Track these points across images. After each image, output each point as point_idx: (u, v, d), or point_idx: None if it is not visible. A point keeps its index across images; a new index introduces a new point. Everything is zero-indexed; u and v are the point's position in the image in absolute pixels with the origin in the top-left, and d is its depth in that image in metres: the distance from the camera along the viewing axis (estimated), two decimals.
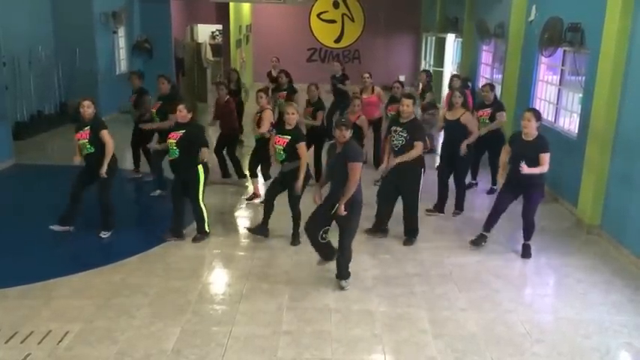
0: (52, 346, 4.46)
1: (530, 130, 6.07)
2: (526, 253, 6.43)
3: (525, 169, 5.94)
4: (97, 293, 5.32)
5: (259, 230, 6.66)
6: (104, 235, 6.58)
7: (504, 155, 6.44)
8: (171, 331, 4.73)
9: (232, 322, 4.88)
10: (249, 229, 6.79)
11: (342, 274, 5.55)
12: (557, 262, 6.34)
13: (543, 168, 6.04)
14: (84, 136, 6.34)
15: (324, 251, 5.87)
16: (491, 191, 8.55)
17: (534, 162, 6.01)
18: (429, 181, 7.14)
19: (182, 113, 6.30)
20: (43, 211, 7.39)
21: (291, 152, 6.30)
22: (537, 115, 6.17)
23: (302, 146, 6.35)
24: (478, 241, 6.57)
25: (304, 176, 6.30)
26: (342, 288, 5.49)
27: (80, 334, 4.64)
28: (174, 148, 6.27)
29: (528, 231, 6.42)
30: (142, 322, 4.85)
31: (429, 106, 10.28)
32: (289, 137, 6.34)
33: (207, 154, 6.40)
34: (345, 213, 5.33)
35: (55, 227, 6.58)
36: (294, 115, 6.45)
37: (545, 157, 6.02)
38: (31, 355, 4.35)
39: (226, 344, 4.57)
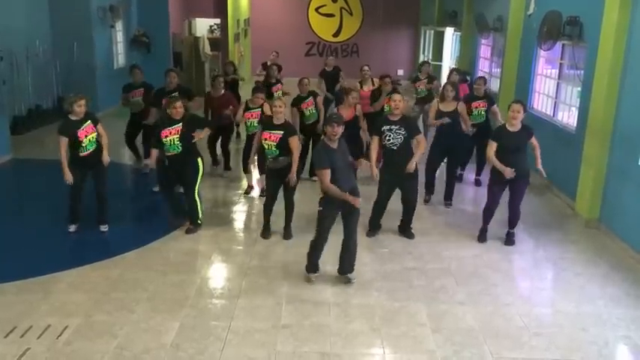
0: (52, 341, 4.47)
1: (518, 121, 6.18)
2: (510, 240, 6.54)
3: (543, 172, 6.33)
4: (95, 288, 5.33)
5: (267, 233, 6.63)
6: (105, 228, 6.60)
7: (491, 151, 6.25)
8: (170, 325, 4.73)
9: (231, 317, 4.89)
10: (263, 236, 6.63)
11: (352, 267, 5.57)
12: (555, 256, 6.36)
13: (539, 149, 6.35)
14: (90, 131, 6.28)
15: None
16: (477, 182, 8.75)
17: (524, 151, 6.24)
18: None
19: (180, 110, 6.32)
20: (41, 206, 7.39)
21: (284, 147, 6.28)
22: (524, 107, 6.31)
23: (294, 139, 6.34)
24: (483, 237, 6.60)
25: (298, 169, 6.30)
26: (350, 281, 5.53)
27: (79, 328, 4.65)
28: (178, 143, 6.29)
29: (515, 220, 6.52)
30: (141, 317, 4.85)
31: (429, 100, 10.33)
32: (281, 133, 6.29)
33: (203, 135, 6.54)
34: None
35: (72, 228, 6.54)
36: (281, 109, 6.36)
37: (535, 141, 6.30)
38: (31, 350, 4.35)
39: (225, 338, 4.58)
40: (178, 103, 6.35)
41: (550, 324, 4.96)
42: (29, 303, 5.02)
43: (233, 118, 8.23)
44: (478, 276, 5.80)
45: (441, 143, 7.61)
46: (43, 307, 4.97)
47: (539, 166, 6.36)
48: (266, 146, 6.33)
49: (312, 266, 5.56)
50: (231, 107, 8.23)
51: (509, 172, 6.10)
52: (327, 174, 5.19)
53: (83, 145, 6.25)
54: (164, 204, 6.74)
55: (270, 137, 6.30)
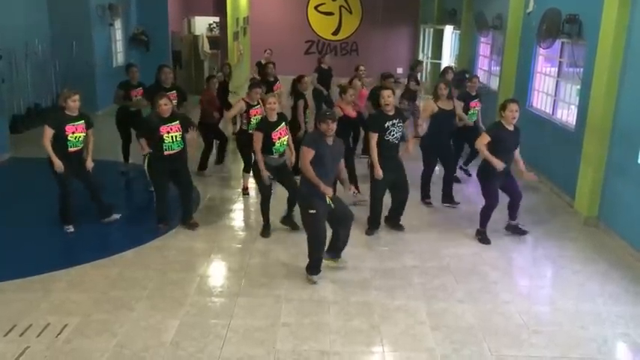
0: (51, 339, 4.47)
1: (516, 119, 6.26)
2: (521, 230, 6.68)
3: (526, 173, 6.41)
4: (94, 286, 5.33)
5: (267, 231, 6.64)
6: (118, 216, 6.77)
7: (483, 142, 6.24)
8: (170, 323, 4.74)
9: (231, 315, 4.89)
10: (263, 235, 6.62)
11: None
12: (554, 254, 6.36)
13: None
14: (80, 129, 6.27)
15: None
16: (465, 172, 8.91)
17: (515, 148, 6.40)
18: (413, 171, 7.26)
19: (168, 106, 6.30)
20: (40, 204, 7.38)
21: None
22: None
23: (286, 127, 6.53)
24: (487, 239, 6.57)
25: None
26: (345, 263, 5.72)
27: (78, 327, 4.65)
28: (179, 140, 6.32)
29: (518, 206, 6.63)
30: (140, 315, 4.85)
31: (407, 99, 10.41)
32: (284, 124, 6.42)
33: (195, 135, 6.68)
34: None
35: (70, 228, 6.54)
36: (275, 105, 6.39)
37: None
38: (30, 348, 4.35)
39: (225, 336, 4.58)
40: (163, 100, 6.27)
41: (549, 322, 4.96)
42: (29, 301, 5.01)
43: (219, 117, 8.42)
44: (477, 274, 5.80)
45: (434, 144, 7.53)
46: (42, 305, 4.97)
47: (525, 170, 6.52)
48: (279, 144, 6.35)
49: (317, 268, 5.55)
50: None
51: (500, 165, 6.16)
52: (310, 153, 5.23)
53: (69, 140, 6.22)
54: (158, 206, 6.69)
55: (282, 134, 6.35)
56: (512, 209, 6.65)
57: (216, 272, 5.85)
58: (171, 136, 6.28)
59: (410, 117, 9.69)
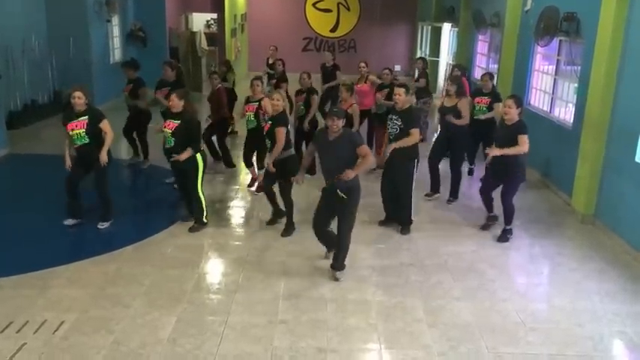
0: (48, 336, 4.46)
1: (512, 115, 6.24)
2: (503, 237, 6.54)
3: (495, 151, 6.17)
4: (92, 283, 5.32)
5: (275, 218, 6.72)
6: (102, 226, 6.55)
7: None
8: (167, 320, 4.73)
9: (228, 312, 4.89)
10: (268, 223, 6.74)
11: (339, 265, 5.55)
12: (551, 251, 6.38)
13: (520, 149, 6.14)
14: (80, 126, 6.21)
15: (331, 241, 5.71)
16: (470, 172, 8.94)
17: (511, 144, 6.17)
18: (422, 168, 7.18)
19: (174, 102, 6.27)
20: (38, 200, 7.37)
21: (273, 138, 6.34)
22: (518, 102, 6.31)
23: (280, 131, 6.27)
24: (489, 225, 6.74)
25: (294, 166, 6.23)
26: (336, 279, 5.49)
27: (75, 323, 4.64)
28: (170, 137, 6.27)
29: (506, 214, 6.52)
30: (138, 312, 4.85)
31: (423, 94, 10.30)
32: (270, 123, 6.43)
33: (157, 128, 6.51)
34: (353, 176, 5.21)
35: (68, 221, 6.52)
36: (278, 102, 6.42)
37: (523, 138, 6.14)
38: (27, 345, 4.34)
39: (222, 333, 4.58)
40: (172, 96, 6.33)
41: (546, 319, 4.98)
42: (26, 298, 5.00)
43: (227, 113, 8.33)
44: (474, 271, 5.81)
45: (441, 137, 7.83)
46: (39, 302, 4.95)
47: (496, 151, 6.18)
48: (266, 137, 6.52)
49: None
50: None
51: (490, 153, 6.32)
52: (312, 146, 5.77)
53: (72, 136, 6.24)
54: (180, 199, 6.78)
55: (265, 127, 6.54)
56: (503, 212, 6.58)
57: (214, 269, 5.85)
58: (165, 132, 6.31)
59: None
